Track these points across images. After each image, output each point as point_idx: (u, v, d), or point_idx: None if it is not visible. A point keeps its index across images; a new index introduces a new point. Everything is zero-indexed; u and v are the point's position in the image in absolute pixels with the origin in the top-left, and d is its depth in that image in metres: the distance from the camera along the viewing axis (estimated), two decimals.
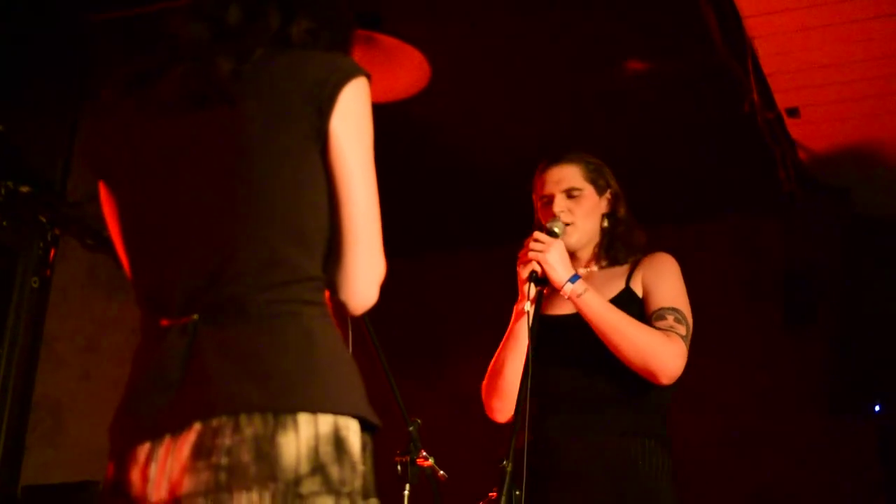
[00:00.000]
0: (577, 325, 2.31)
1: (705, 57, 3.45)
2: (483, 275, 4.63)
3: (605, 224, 2.49)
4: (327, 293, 1.40)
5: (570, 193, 2.44)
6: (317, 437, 1.26)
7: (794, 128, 3.87)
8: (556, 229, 2.36)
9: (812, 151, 4.05)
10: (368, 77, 1.40)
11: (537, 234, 2.33)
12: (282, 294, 1.32)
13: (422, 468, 2.30)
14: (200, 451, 1.24)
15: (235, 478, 1.23)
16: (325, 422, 1.27)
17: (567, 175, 2.46)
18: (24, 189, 3.25)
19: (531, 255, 2.30)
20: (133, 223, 1.42)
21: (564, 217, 2.41)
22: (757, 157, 4.00)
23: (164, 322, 1.34)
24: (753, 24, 3.28)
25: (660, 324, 2.29)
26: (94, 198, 1.50)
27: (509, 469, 2.00)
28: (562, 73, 3.87)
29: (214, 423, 1.25)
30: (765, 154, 3.94)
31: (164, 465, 1.27)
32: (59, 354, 3.80)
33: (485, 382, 2.44)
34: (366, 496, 1.31)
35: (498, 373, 2.39)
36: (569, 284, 2.28)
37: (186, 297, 1.33)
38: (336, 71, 1.37)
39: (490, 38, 3.64)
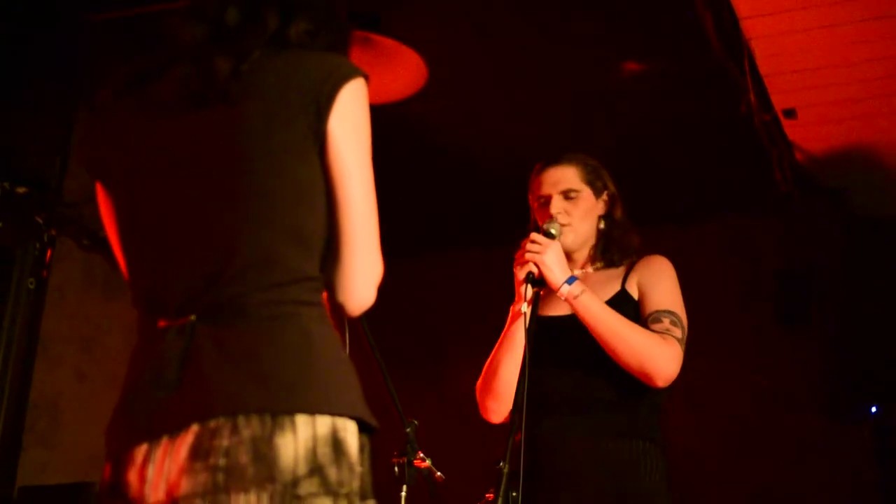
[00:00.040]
0: (573, 326, 2.31)
1: (702, 58, 3.45)
2: (481, 275, 4.62)
3: (602, 226, 2.49)
4: (325, 294, 1.40)
5: (567, 195, 2.44)
6: (315, 439, 1.26)
7: (790, 129, 3.88)
8: (553, 231, 2.35)
9: (808, 152, 4.06)
10: (366, 78, 1.40)
11: (534, 236, 2.33)
12: (280, 295, 1.32)
13: (419, 469, 2.30)
14: (198, 453, 1.24)
15: (233, 479, 1.23)
16: (323, 423, 1.27)
17: (565, 176, 2.45)
18: (21, 190, 3.25)
19: (528, 256, 2.29)
20: (131, 224, 1.42)
21: (561, 218, 2.41)
22: (754, 158, 4.01)
23: (162, 323, 1.34)
24: (750, 26, 3.29)
25: (656, 326, 2.29)
26: (91, 198, 1.50)
27: (506, 470, 2.00)
28: (558, 74, 3.87)
29: (212, 424, 1.25)
30: (761, 155, 3.95)
31: (162, 466, 1.27)
32: (55, 355, 3.79)
33: (479, 383, 2.44)
34: (363, 497, 1.31)
35: (493, 374, 2.39)
36: (566, 286, 2.27)
37: (184, 298, 1.33)
38: (334, 72, 1.37)
39: (489, 38, 3.64)
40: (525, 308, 2.27)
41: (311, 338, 1.32)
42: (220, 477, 1.23)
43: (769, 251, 4.61)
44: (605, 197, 2.49)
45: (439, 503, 2.32)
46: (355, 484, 1.29)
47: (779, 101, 3.69)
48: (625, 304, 2.35)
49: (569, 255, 2.41)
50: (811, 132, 3.89)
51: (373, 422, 1.34)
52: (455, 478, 2.38)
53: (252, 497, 1.22)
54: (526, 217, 2.55)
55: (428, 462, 2.30)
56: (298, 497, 1.24)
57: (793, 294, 4.28)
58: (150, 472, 1.28)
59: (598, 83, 3.95)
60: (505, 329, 2.40)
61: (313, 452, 1.25)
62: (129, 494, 1.29)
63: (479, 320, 2.73)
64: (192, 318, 1.32)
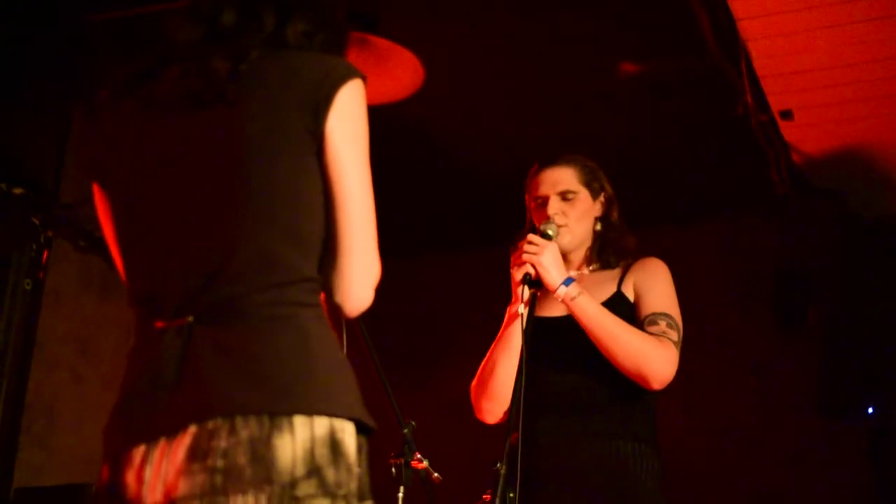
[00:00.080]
0: (569, 327, 2.31)
1: (699, 59, 3.46)
2: (480, 275, 4.62)
3: (598, 227, 2.48)
4: (322, 295, 1.40)
5: (564, 196, 2.43)
6: (312, 440, 1.26)
7: (787, 130, 3.88)
8: (550, 232, 2.35)
9: (805, 154, 4.06)
10: (364, 79, 1.41)
11: (531, 237, 2.32)
12: (278, 295, 1.32)
13: (416, 470, 2.30)
14: (196, 454, 1.24)
15: (231, 480, 1.23)
16: (321, 424, 1.27)
17: (562, 177, 2.45)
18: (18, 191, 3.25)
19: (525, 257, 2.29)
20: (128, 224, 1.42)
21: (558, 219, 2.40)
22: (750, 159, 4.01)
23: (159, 324, 1.34)
24: (747, 27, 3.29)
25: (652, 329, 2.29)
26: (88, 200, 1.50)
27: (503, 471, 2.00)
28: (556, 74, 3.88)
29: (210, 425, 1.25)
30: (758, 156, 3.95)
31: (160, 467, 1.27)
32: (51, 357, 3.78)
33: (474, 384, 2.43)
34: (361, 498, 1.31)
35: (489, 374, 2.39)
36: (563, 287, 2.27)
37: (182, 299, 1.33)
38: (332, 73, 1.37)
39: (488, 38, 3.65)
40: (522, 309, 2.27)
41: (309, 339, 1.32)
42: (218, 478, 1.23)
43: (766, 252, 4.60)
44: (601, 198, 2.49)
45: None
46: (353, 485, 1.29)
47: (775, 103, 3.70)
48: (621, 306, 2.35)
49: (565, 257, 2.41)
50: (808, 133, 3.90)
51: (371, 423, 1.34)
52: (452, 479, 2.37)
53: (250, 498, 1.22)
54: (523, 218, 2.55)
55: (425, 463, 2.30)
56: (296, 498, 1.23)
57: (789, 295, 4.28)
58: (148, 473, 1.28)
59: (594, 84, 3.95)
60: (501, 330, 2.40)
61: (311, 453, 1.25)
62: (126, 496, 1.29)
63: (477, 321, 2.72)
64: (190, 318, 1.31)
